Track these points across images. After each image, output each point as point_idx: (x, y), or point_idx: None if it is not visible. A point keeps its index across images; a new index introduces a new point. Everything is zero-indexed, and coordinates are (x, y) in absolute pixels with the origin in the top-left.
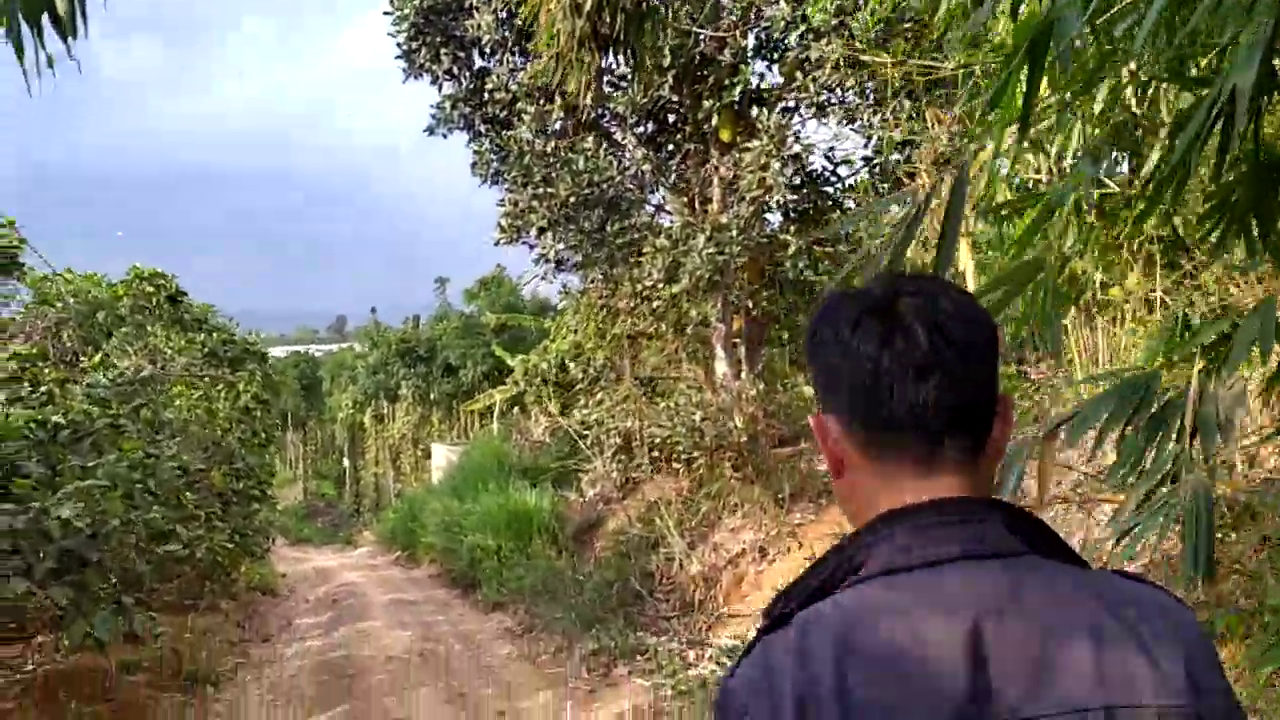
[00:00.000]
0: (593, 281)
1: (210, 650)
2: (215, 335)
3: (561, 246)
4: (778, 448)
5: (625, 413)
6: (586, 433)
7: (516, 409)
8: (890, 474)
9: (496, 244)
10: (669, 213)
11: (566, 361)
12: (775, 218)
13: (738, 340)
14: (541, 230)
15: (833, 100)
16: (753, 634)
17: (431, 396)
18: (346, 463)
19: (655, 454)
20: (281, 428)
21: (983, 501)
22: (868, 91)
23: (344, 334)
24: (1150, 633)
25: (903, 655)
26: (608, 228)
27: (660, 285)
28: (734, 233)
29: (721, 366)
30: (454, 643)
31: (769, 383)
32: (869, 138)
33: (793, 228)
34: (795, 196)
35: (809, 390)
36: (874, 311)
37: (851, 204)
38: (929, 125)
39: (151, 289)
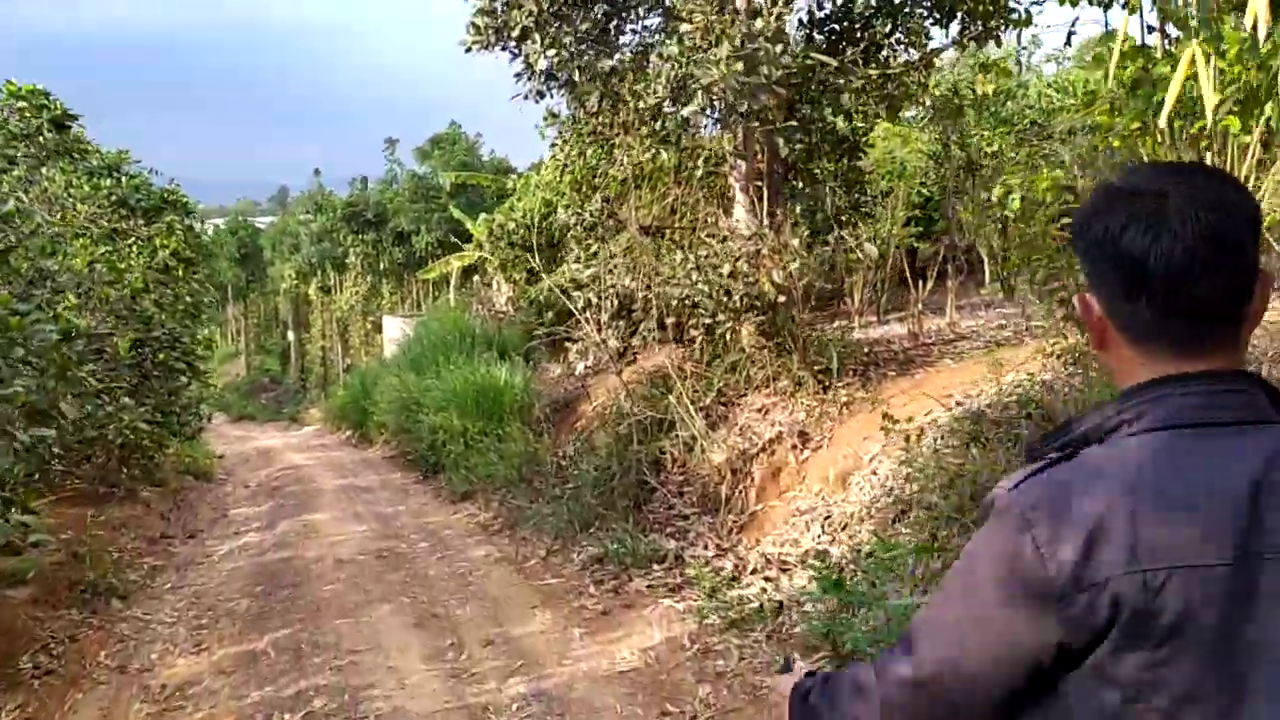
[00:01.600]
0: (586, 106)
1: (123, 551)
2: (126, 181)
3: (552, 55)
4: (815, 311)
5: (628, 267)
6: (577, 293)
7: (476, 277)
8: (1151, 353)
9: (468, 50)
10: (683, 19)
11: (538, 219)
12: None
13: (760, 183)
14: (526, 32)
15: None
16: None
17: (381, 266)
18: (291, 336)
19: (668, 318)
20: (221, 300)
21: (1246, 375)
22: None
23: (286, 206)
24: None
25: (1188, 501)
26: (611, 31)
27: (666, 107)
28: (774, 47)
29: (740, 213)
30: (418, 540)
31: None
32: None
33: (848, 51)
34: (833, 8)
35: (868, 246)
36: (1142, 210)
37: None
38: None
39: (30, 110)
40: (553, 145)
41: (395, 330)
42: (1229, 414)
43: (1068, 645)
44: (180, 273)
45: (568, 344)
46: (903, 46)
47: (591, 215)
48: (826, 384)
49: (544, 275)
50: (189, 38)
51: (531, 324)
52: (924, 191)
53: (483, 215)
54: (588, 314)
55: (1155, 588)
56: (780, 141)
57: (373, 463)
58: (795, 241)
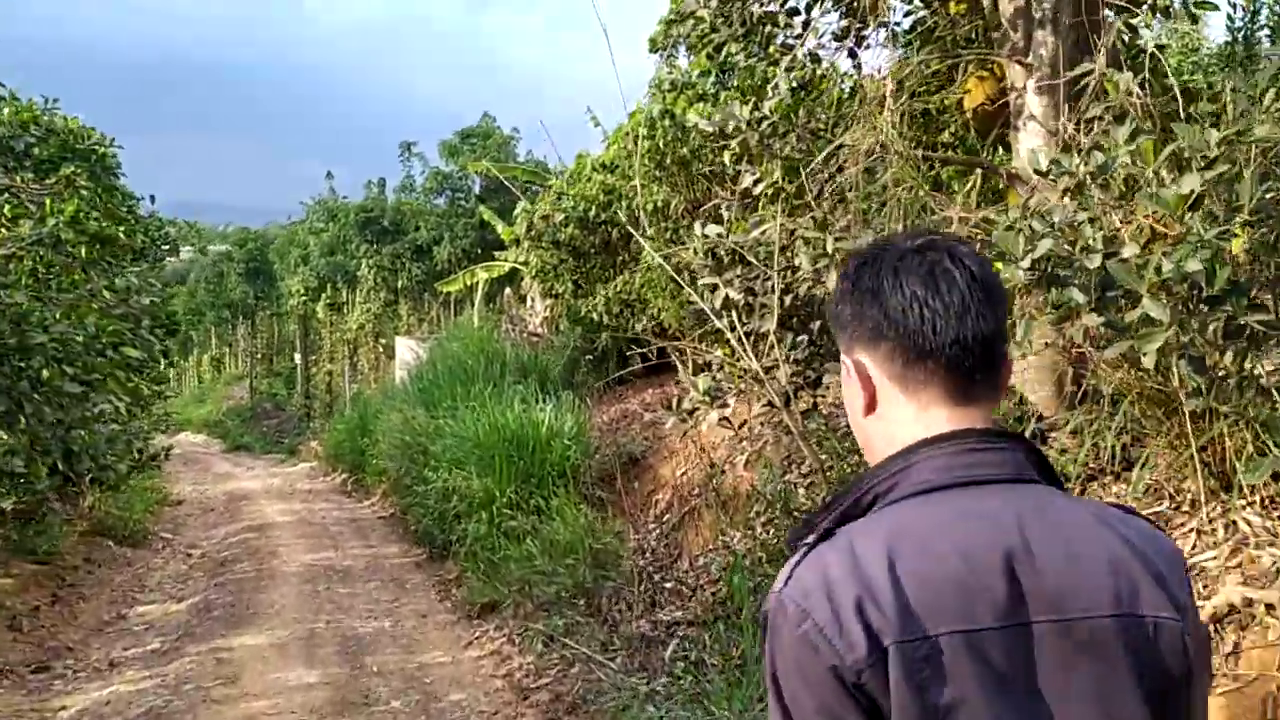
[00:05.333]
0: None
1: None
2: (9, 113)
3: None
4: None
5: (858, 218)
6: (714, 284)
7: (508, 290)
8: (925, 404)
9: None
10: None
11: (594, 211)
12: None
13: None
14: None
15: None
16: (794, 554)
17: (399, 284)
18: (298, 359)
19: None
20: (232, 318)
21: (1006, 432)
22: None
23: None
24: (1147, 557)
25: (948, 563)
26: None
27: None
28: None
29: (1032, 138)
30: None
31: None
32: None
33: None
34: None
35: None
36: (912, 261)
37: None
38: None
39: None
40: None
41: (407, 353)
42: (982, 472)
43: (883, 717)
44: (83, 253)
45: (682, 366)
46: None
47: (773, 116)
48: None
49: (602, 284)
50: (219, 63)
51: (578, 349)
52: None
53: (521, 205)
54: (733, 318)
55: (924, 654)
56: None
57: (364, 525)
58: None
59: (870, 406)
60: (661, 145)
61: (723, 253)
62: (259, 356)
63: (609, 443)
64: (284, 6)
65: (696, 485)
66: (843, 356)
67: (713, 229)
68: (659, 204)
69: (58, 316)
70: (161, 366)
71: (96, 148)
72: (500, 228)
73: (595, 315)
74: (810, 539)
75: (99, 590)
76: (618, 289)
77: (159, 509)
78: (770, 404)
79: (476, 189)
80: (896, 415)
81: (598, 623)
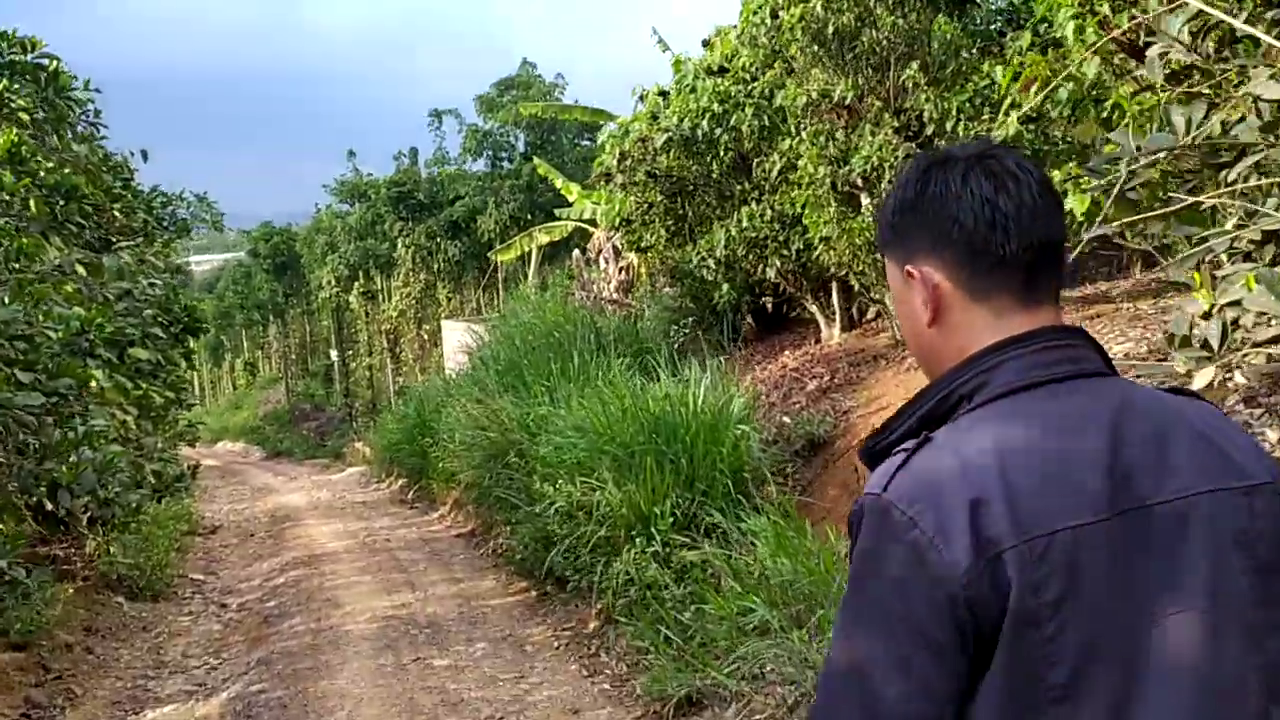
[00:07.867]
0: None
1: None
2: None
3: None
4: None
5: None
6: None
7: (576, 253)
8: (997, 309)
9: None
10: None
11: (703, 123)
12: None
13: None
14: None
15: None
16: (891, 458)
17: (436, 266)
18: (334, 355)
19: None
20: (263, 319)
21: (1074, 329)
22: None
23: None
24: (1224, 432)
25: (1055, 459)
26: None
27: None
28: None
29: None
30: None
31: None
32: None
33: None
34: None
35: None
36: (978, 166)
37: None
38: None
39: None
40: None
41: (457, 340)
42: (1064, 369)
43: (980, 633)
44: (35, 209)
45: (1176, 271)
46: None
47: None
48: None
49: (719, 221)
50: (219, 76)
51: (677, 310)
52: None
53: (607, 131)
54: None
55: (1040, 553)
56: None
57: (440, 548)
58: None
59: (933, 319)
60: (820, 10)
61: None
62: (293, 357)
63: (768, 421)
64: (280, 14)
65: None
66: (896, 268)
67: None
68: (814, 95)
69: (6, 301)
70: (182, 369)
71: (45, 62)
72: (560, 182)
73: (713, 262)
74: (908, 444)
75: (98, 680)
76: (741, 226)
77: (187, 541)
78: None
79: (521, 146)
80: (967, 322)
81: None
